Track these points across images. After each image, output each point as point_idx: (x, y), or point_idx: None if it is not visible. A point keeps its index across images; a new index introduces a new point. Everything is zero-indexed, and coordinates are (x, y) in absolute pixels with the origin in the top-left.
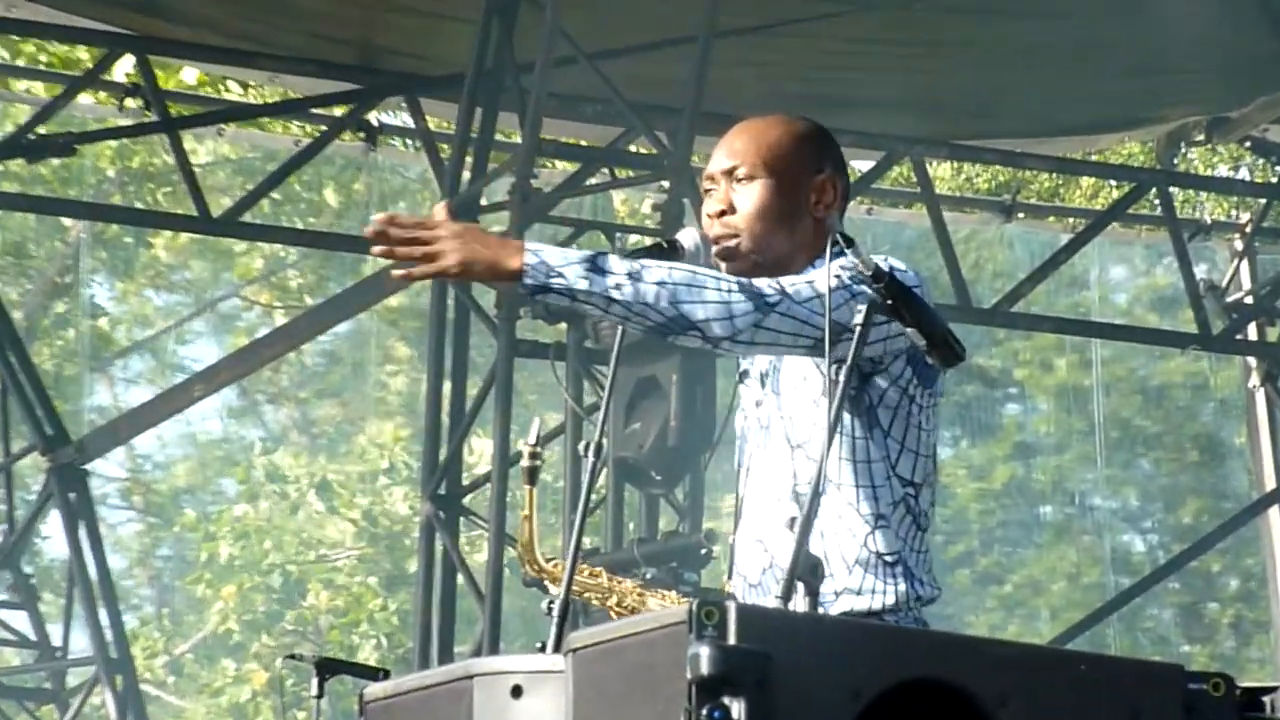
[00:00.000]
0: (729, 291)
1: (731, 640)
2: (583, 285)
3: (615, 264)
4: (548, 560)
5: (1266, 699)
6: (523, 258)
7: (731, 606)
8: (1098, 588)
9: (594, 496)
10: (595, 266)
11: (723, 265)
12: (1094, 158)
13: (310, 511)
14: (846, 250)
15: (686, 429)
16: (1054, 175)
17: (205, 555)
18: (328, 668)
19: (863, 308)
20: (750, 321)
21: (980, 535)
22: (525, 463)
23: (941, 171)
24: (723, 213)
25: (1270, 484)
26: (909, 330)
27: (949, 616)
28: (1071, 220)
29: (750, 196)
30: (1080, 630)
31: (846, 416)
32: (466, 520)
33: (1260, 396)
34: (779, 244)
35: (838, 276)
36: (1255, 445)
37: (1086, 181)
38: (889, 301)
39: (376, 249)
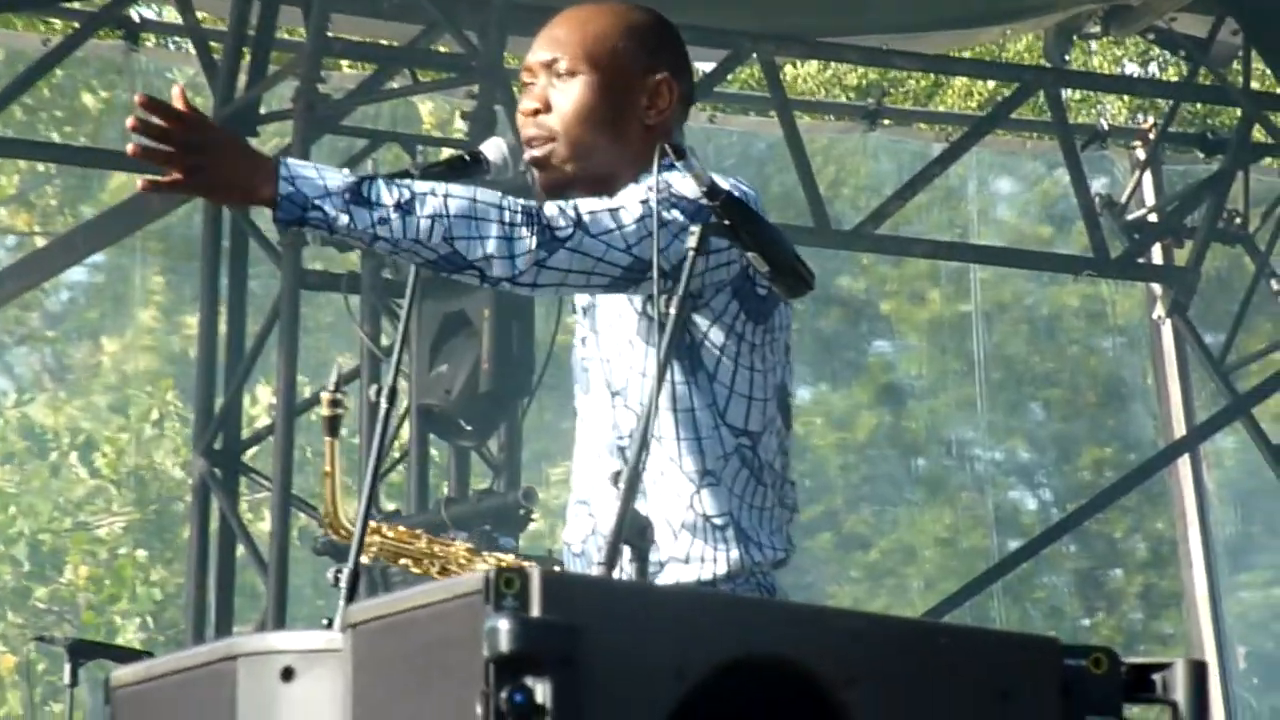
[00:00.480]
0: (511, 225)
1: (535, 612)
2: (343, 220)
3: (383, 193)
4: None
5: (1156, 677)
6: (275, 186)
7: (534, 573)
8: (980, 553)
9: (394, 450)
10: (359, 197)
11: (535, 175)
12: (972, 55)
13: (66, 472)
14: (676, 163)
15: (501, 372)
16: (926, 75)
17: None
18: (82, 651)
19: (695, 229)
20: (533, 260)
21: (843, 493)
22: (325, 411)
23: (803, 73)
24: (537, 111)
25: (1179, 430)
26: (749, 255)
27: (806, 586)
28: (946, 128)
29: (570, 95)
30: (958, 601)
31: None
32: (247, 480)
33: (1166, 329)
34: (601, 153)
35: (644, 201)
36: (1162, 385)
37: (962, 82)
38: (726, 222)
39: (133, 146)
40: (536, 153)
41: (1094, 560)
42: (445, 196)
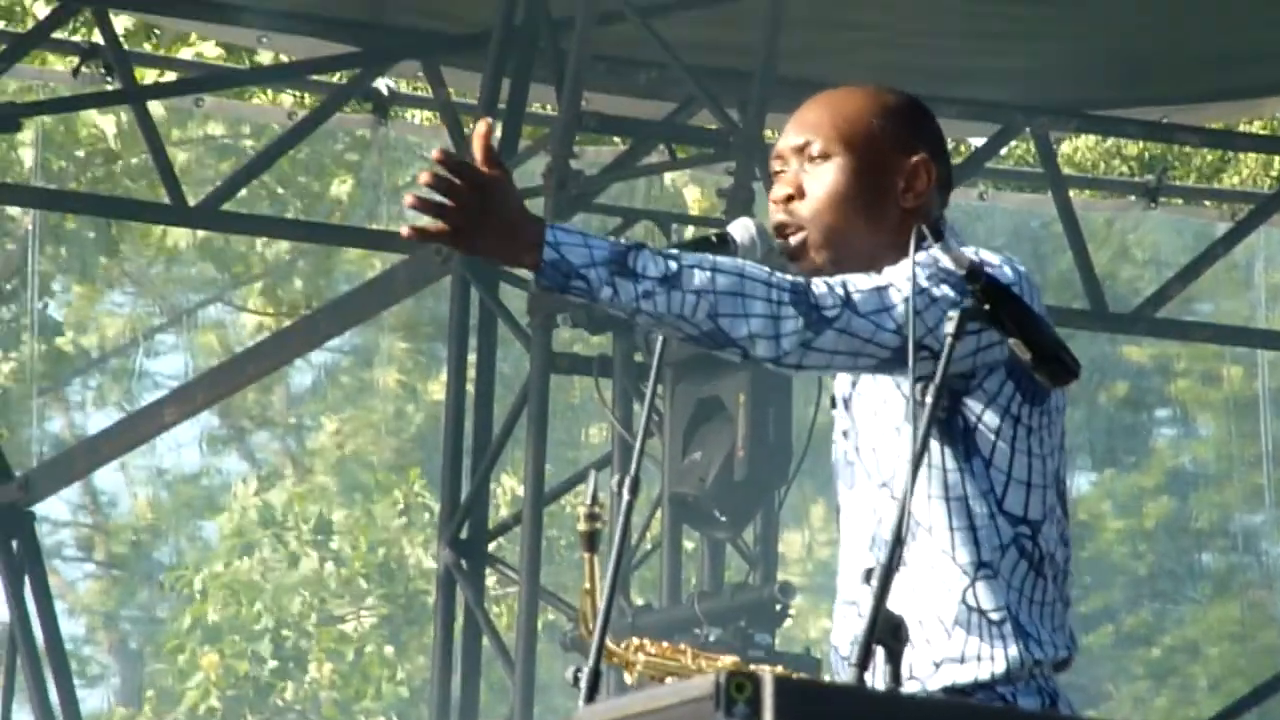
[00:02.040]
0: (778, 304)
1: (768, 719)
2: (606, 292)
3: (649, 265)
4: (621, 644)
5: None
6: (538, 253)
7: (767, 677)
8: (1269, 652)
9: (646, 541)
10: (625, 268)
11: (789, 264)
12: (1260, 128)
13: (310, 563)
14: (934, 246)
15: (756, 459)
16: (1210, 151)
17: (182, 617)
18: None
19: (954, 314)
20: (798, 341)
21: (1125, 586)
22: (582, 526)
23: (1080, 145)
24: (790, 198)
25: None
26: (1010, 341)
27: (1081, 687)
28: (1233, 205)
29: (824, 179)
30: (1247, 705)
31: (935, 446)
32: (494, 571)
33: None
34: (857, 239)
35: (916, 280)
36: None
37: (1252, 158)
38: (986, 306)
39: (408, 229)
40: (791, 242)
41: None
42: (713, 271)
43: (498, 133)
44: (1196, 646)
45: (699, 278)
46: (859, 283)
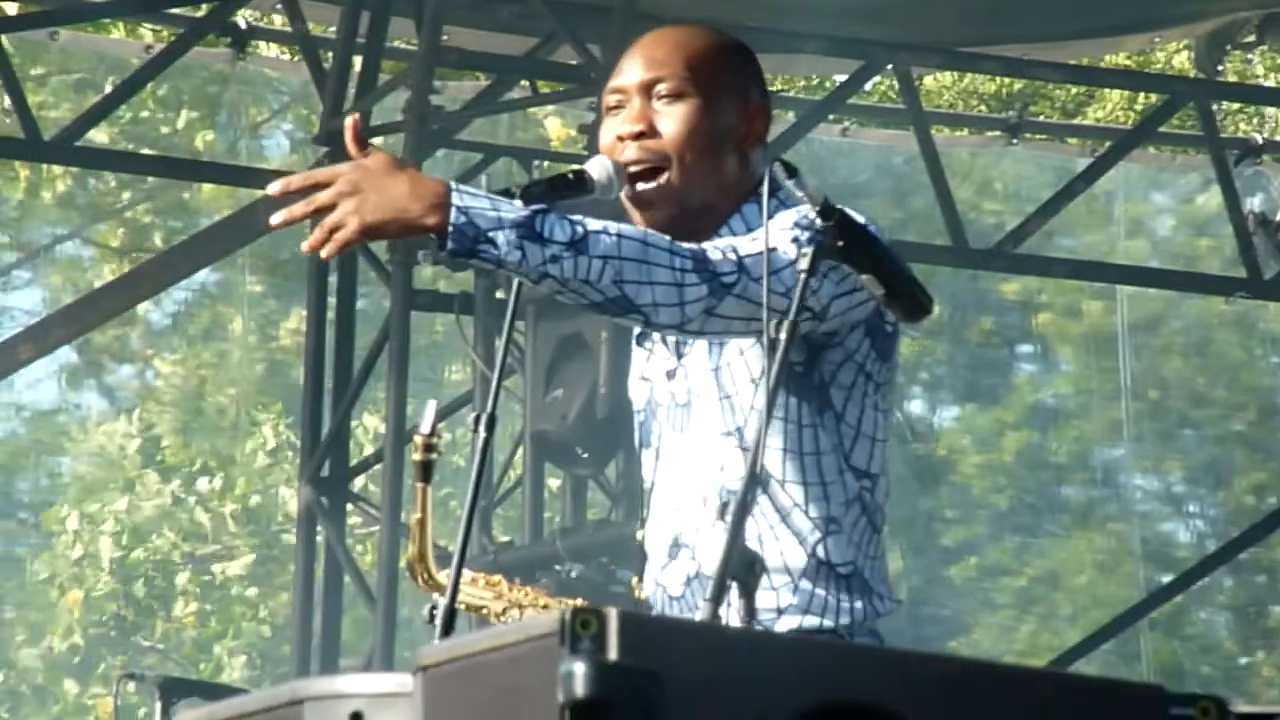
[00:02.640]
0: (682, 271)
1: (613, 655)
2: (514, 256)
3: (556, 228)
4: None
5: None
6: (444, 215)
7: (612, 614)
8: (1128, 582)
9: (508, 478)
10: (532, 232)
11: (633, 202)
12: (1121, 65)
13: (173, 502)
14: (788, 181)
15: (619, 396)
16: (1074, 89)
17: (43, 554)
18: (173, 689)
19: (807, 250)
20: (702, 309)
21: (987, 520)
22: (417, 455)
23: (942, 83)
24: (641, 134)
25: None
26: (864, 278)
27: (945, 619)
28: (1092, 142)
29: (677, 118)
30: (1109, 635)
31: (793, 400)
32: (355, 509)
33: None
34: (706, 179)
35: (795, 240)
36: None
37: (1115, 95)
38: (840, 243)
39: (278, 218)
40: (648, 183)
41: (1252, 594)
42: (618, 237)
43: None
44: (1058, 578)
45: (605, 243)
46: (748, 248)
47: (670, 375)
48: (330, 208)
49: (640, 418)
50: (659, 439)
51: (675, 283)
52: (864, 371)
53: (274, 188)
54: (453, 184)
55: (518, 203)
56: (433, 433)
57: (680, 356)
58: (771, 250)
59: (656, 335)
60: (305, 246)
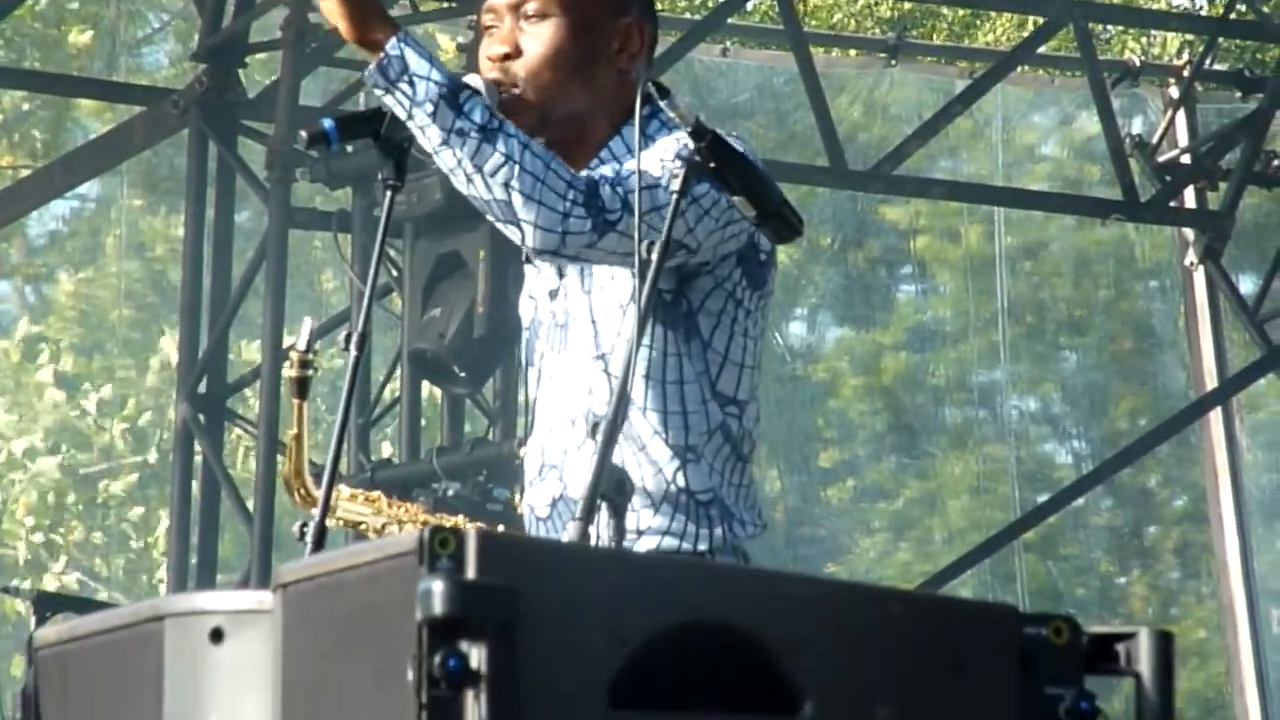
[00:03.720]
0: (572, 203)
1: (471, 574)
2: (427, 109)
3: (476, 109)
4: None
5: (1120, 647)
6: (387, 40)
7: (471, 532)
8: (1004, 505)
9: (386, 396)
10: (454, 99)
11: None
12: None
13: (60, 421)
14: (660, 102)
15: (497, 315)
16: (958, 12)
17: None
18: (48, 604)
19: (678, 170)
20: (584, 242)
21: (865, 442)
22: (293, 372)
23: (830, 2)
24: (506, 56)
25: (1212, 381)
26: (735, 199)
27: (822, 540)
28: (971, 64)
29: (539, 38)
30: (982, 555)
31: (659, 329)
32: (232, 425)
33: (1199, 276)
34: (573, 98)
35: (676, 174)
36: (1194, 335)
37: (1007, 18)
38: (712, 165)
39: None
40: (506, 99)
41: (1128, 515)
42: (525, 146)
43: None
44: (935, 499)
45: (513, 145)
46: (633, 183)
47: (553, 295)
48: None
49: (526, 335)
50: (541, 358)
51: (562, 212)
52: (734, 298)
53: None
54: (399, 28)
55: (451, 74)
56: (309, 349)
57: (562, 276)
58: (654, 185)
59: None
60: None
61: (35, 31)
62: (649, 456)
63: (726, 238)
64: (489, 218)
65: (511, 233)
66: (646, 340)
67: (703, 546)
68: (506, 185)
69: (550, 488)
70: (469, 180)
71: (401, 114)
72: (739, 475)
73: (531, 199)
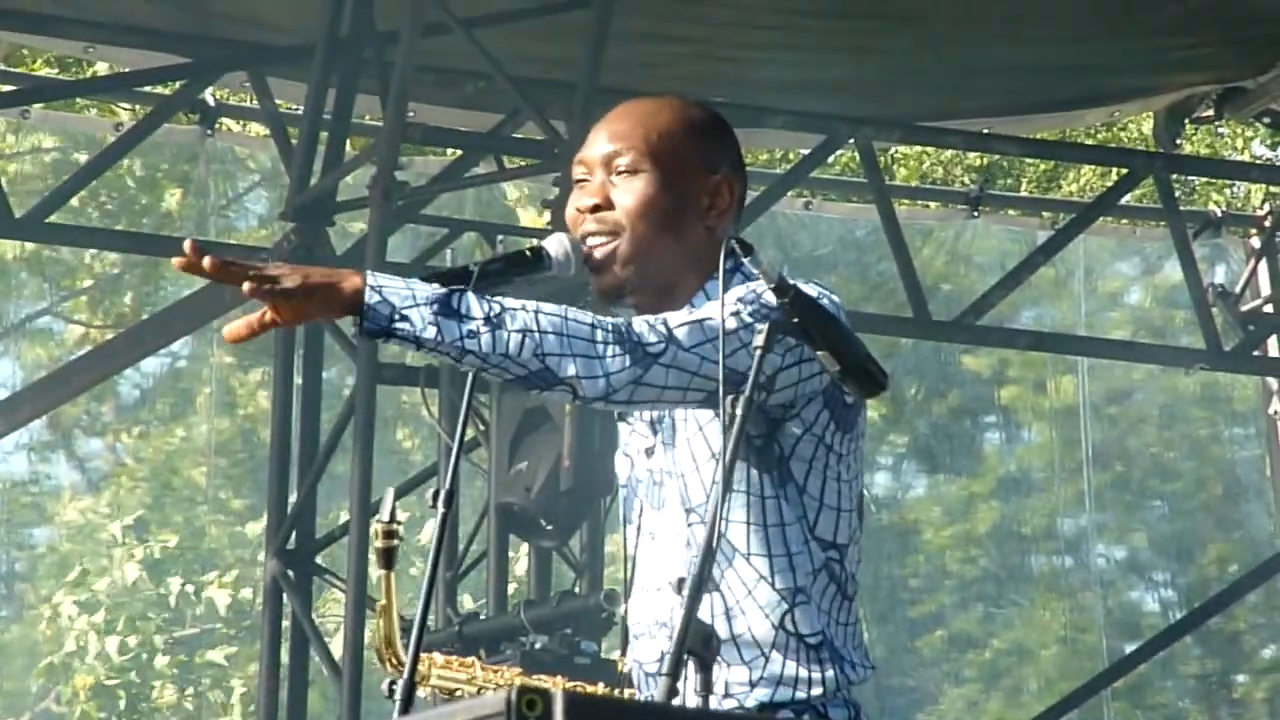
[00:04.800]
0: (604, 343)
1: None
2: (430, 332)
3: (473, 306)
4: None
5: None
6: (362, 294)
7: (558, 695)
8: (1094, 654)
9: (473, 551)
10: (448, 308)
11: (592, 275)
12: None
13: (143, 576)
14: (744, 259)
15: (583, 469)
16: (1042, 163)
17: (11, 628)
18: None
19: (763, 328)
20: (628, 378)
21: (955, 590)
22: (379, 543)
23: (910, 154)
24: (597, 207)
25: None
26: (819, 354)
27: (912, 689)
28: (1054, 215)
29: (633, 191)
30: (1072, 704)
31: (754, 473)
32: (321, 581)
33: None
34: (664, 253)
35: (736, 313)
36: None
37: (1086, 169)
38: (795, 320)
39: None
40: (598, 251)
41: (1217, 663)
42: (536, 312)
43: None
44: (1025, 649)
45: (522, 318)
46: (679, 318)
47: (649, 453)
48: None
49: (624, 493)
50: (639, 515)
51: (596, 354)
52: (824, 443)
53: (187, 245)
54: (368, 270)
55: (435, 285)
56: (392, 519)
57: (656, 434)
58: (707, 320)
59: (647, 417)
60: (226, 333)
61: (129, 193)
62: (756, 602)
63: (803, 376)
64: (535, 393)
65: (561, 395)
66: (743, 486)
67: (816, 692)
68: (536, 355)
69: (659, 644)
70: (499, 369)
71: (410, 348)
72: (845, 613)
73: (564, 355)
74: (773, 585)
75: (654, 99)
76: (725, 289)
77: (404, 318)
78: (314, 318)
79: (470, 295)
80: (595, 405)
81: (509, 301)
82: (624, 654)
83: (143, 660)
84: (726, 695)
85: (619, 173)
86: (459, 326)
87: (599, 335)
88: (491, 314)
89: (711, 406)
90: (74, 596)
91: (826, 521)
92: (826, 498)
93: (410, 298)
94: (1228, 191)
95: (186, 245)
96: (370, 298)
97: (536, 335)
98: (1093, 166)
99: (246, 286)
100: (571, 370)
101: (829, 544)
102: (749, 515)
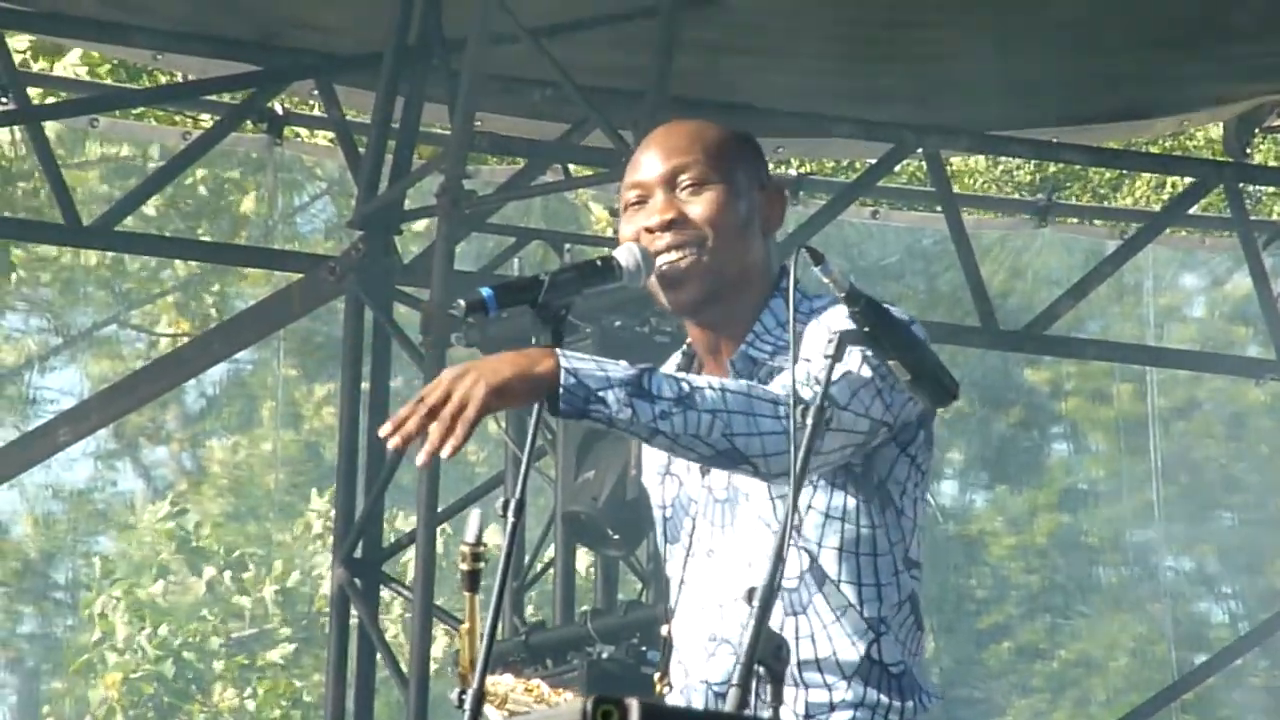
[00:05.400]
0: (786, 417)
1: None
2: (625, 414)
3: (664, 385)
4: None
5: None
6: (557, 376)
7: (634, 705)
8: (1162, 665)
9: (539, 560)
10: (640, 390)
11: (664, 292)
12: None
13: (211, 584)
14: (815, 267)
15: None
16: (1108, 171)
17: (81, 635)
18: None
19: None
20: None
21: (1020, 601)
22: (464, 565)
23: (973, 165)
24: (672, 222)
25: None
26: (890, 363)
27: (979, 700)
28: (1121, 224)
29: (706, 203)
30: (1141, 716)
31: (850, 502)
32: (389, 590)
33: None
34: (737, 265)
35: (865, 359)
36: None
37: (1146, 178)
38: (866, 329)
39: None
40: (682, 264)
41: None
42: (723, 391)
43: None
44: (1092, 660)
45: (711, 397)
46: (822, 371)
47: (705, 471)
48: (441, 405)
49: (666, 513)
50: (691, 535)
51: (783, 430)
52: (915, 464)
53: (385, 431)
54: (558, 350)
55: (623, 362)
56: (478, 541)
57: None
58: (849, 373)
59: None
60: (421, 458)
61: (204, 201)
62: (843, 629)
63: (909, 399)
64: (716, 469)
65: (744, 471)
66: (839, 514)
67: (893, 719)
68: (725, 436)
69: (723, 663)
70: (687, 448)
71: (603, 427)
72: (918, 645)
73: (752, 435)
74: (861, 614)
75: (693, 121)
76: (793, 307)
77: (600, 399)
78: (512, 401)
79: (659, 374)
80: (778, 481)
81: (695, 380)
82: (664, 675)
83: (201, 668)
84: (807, 716)
85: (684, 188)
86: (652, 408)
87: (782, 411)
88: (682, 394)
89: (858, 455)
90: (138, 602)
91: (916, 541)
92: (918, 518)
93: (605, 380)
94: None
95: (382, 431)
96: (566, 380)
97: (725, 415)
98: (1151, 176)
99: (447, 451)
100: (758, 449)
101: (914, 563)
102: (843, 542)
